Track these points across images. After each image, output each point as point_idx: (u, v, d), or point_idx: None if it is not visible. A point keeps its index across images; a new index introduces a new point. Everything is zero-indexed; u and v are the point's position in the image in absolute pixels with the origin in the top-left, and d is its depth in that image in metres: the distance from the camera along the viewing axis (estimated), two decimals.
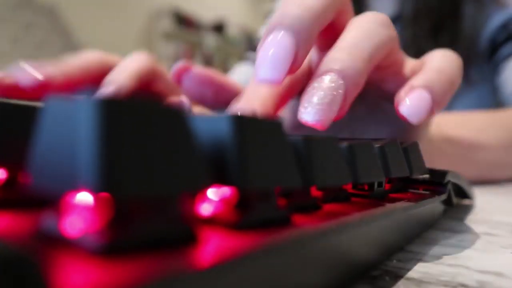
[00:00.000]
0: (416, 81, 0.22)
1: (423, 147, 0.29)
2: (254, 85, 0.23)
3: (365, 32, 0.20)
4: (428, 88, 0.21)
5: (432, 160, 0.32)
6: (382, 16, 0.21)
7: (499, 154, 0.40)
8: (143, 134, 0.08)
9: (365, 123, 0.28)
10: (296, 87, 0.24)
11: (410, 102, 0.21)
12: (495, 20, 0.54)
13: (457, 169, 0.35)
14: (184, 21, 3.00)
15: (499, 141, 0.40)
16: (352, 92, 0.18)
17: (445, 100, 0.22)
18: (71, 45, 2.21)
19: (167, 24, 2.88)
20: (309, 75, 0.24)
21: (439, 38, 0.55)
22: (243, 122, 0.10)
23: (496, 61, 0.54)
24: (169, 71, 0.30)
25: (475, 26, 0.54)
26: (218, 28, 3.29)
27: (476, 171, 0.38)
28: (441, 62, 0.23)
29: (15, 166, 0.10)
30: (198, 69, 0.29)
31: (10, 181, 0.11)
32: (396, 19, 0.61)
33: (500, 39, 0.53)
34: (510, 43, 0.52)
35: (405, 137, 0.27)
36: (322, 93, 0.17)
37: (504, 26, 0.53)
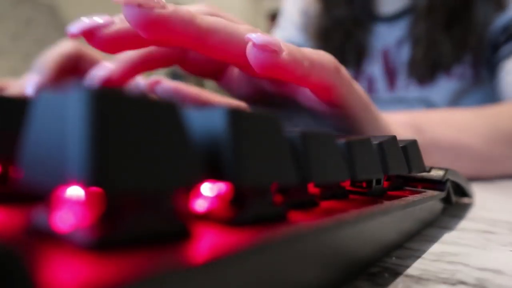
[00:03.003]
0: None
1: None
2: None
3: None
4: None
5: None
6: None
7: (483, 151, 0.40)
8: (135, 127, 0.08)
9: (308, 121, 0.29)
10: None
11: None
12: (497, 22, 0.54)
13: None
14: None
15: (482, 139, 0.40)
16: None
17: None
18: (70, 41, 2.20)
19: None
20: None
21: (452, 31, 0.55)
22: (238, 117, 0.10)
23: (495, 60, 0.54)
24: (168, 70, 0.33)
25: (485, 24, 0.54)
26: None
27: (460, 169, 0.38)
28: None
29: (6, 160, 0.10)
30: (168, 82, 0.32)
31: (1, 176, 0.10)
32: (406, 12, 0.61)
33: (501, 41, 0.53)
34: (510, 43, 0.52)
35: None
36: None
37: (505, 28, 0.53)
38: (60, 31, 2.15)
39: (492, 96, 0.55)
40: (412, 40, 0.58)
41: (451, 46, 0.55)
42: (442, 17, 0.55)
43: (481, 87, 0.57)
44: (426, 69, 0.57)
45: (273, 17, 2.02)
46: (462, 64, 0.56)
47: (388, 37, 0.62)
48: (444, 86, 0.57)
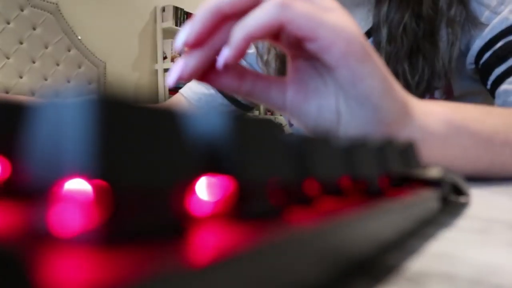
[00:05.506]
0: None
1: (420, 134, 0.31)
2: None
3: None
4: None
5: (445, 151, 0.34)
6: None
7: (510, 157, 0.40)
8: (137, 130, 0.08)
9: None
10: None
11: None
12: (478, 41, 0.52)
13: (468, 159, 0.37)
14: (186, 18, 3.00)
15: None
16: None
17: None
18: (74, 43, 2.21)
19: (169, 21, 2.87)
20: None
21: (414, 59, 0.54)
22: (239, 119, 0.10)
23: (492, 84, 0.52)
24: (170, 70, 0.31)
25: (452, 47, 0.53)
26: None
27: (485, 166, 0.39)
28: None
29: (7, 160, 0.10)
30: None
31: (2, 176, 0.11)
32: (367, 33, 0.59)
33: (486, 59, 0.52)
34: (502, 64, 0.51)
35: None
36: None
37: (487, 46, 0.52)
38: (60, 31, 2.16)
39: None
40: None
41: (416, 76, 0.53)
42: (404, 48, 0.53)
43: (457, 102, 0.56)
44: None
45: None
46: (431, 91, 0.55)
47: None
48: None
